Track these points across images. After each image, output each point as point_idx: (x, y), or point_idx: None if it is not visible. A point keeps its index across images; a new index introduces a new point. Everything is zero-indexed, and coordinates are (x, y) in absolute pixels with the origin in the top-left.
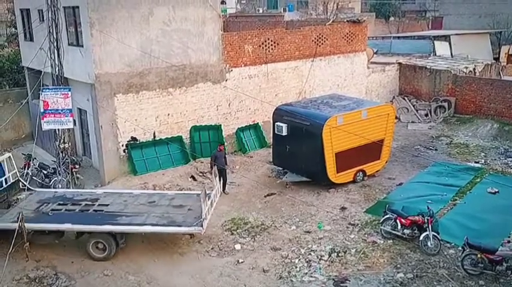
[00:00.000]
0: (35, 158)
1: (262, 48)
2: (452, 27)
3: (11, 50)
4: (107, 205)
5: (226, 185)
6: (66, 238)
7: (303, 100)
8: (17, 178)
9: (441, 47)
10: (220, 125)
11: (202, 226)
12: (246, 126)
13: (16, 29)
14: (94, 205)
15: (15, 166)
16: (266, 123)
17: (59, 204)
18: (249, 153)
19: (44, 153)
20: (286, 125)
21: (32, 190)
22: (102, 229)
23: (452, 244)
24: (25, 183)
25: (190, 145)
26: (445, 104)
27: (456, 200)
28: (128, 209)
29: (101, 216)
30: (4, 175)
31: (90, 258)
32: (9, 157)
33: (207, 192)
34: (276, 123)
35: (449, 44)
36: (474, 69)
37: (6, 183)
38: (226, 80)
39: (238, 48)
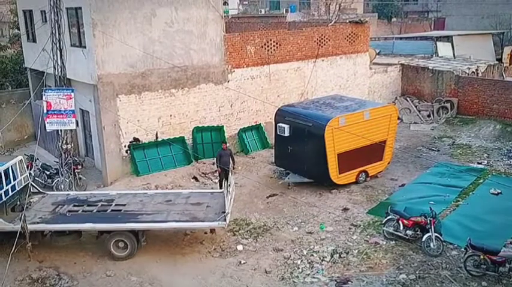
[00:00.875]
0: (38, 159)
1: (265, 49)
2: (454, 28)
3: (14, 51)
4: (124, 205)
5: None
6: (83, 238)
7: (305, 101)
8: (28, 181)
9: (443, 48)
10: (223, 126)
11: (225, 220)
12: (248, 127)
13: (19, 30)
14: (111, 205)
15: (26, 169)
16: (268, 124)
17: (75, 205)
18: (251, 154)
19: (46, 154)
20: (288, 126)
21: (44, 193)
22: (126, 227)
23: (455, 245)
24: (36, 186)
25: (192, 145)
26: (448, 105)
27: (459, 201)
28: (147, 208)
29: (121, 215)
30: (16, 178)
31: (92, 259)
32: (21, 159)
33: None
34: (278, 124)
35: (452, 44)
36: (477, 70)
37: (18, 186)
38: (228, 81)
39: (241, 49)
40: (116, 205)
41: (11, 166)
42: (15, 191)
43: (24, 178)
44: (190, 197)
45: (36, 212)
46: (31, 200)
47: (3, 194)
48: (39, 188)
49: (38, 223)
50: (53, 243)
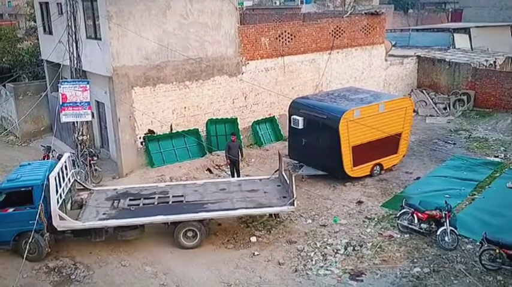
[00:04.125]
0: (54, 150)
1: (279, 41)
2: (472, 20)
3: (31, 43)
4: (182, 196)
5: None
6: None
7: (319, 93)
8: (75, 178)
9: (461, 40)
10: (236, 118)
11: (293, 204)
12: (262, 119)
13: (35, 22)
14: (168, 197)
15: (72, 166)
16: (282, 116)
17: (131, 199)
18: (264, 146)
19: (62, 145)
20: (302, 118)
21: (90, 189)
22: (199, 217)
23: (470, 239)
24: (81, 183)
25: (206, 138)
26: (464, 98)
27: (475, 194)
28: (207, 198)
29: (187, 206)
30: (68, 175)
31: (107, 249)
32: (69, 156)
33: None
34: (292, 117)
35: (469, 36)
36: (494, 62)
37: (70, 183)
38: (242, 73)
39: (255, 41)
40: (173, 196)
41: (64, 164)
42: (68, 189)
43: (72, 174)
44: (242, 185)
45: (97, 209)
46: (82, 197)
47: (62, 192)
48: (84, 185)
49: (106, 219)
50: (119, 238)
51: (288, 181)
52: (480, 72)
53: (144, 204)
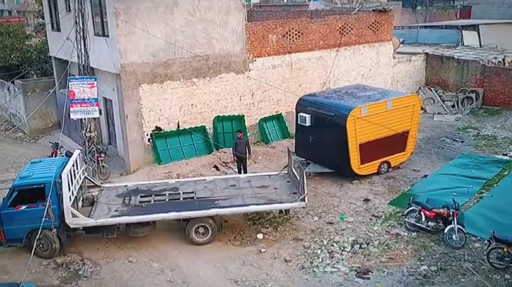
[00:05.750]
0: (62, 147)
1: (286, 38)
2: (481, 17)
3: (39, 40)
4: (193, 192)
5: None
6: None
7: (327, 90)
8: (85, 175)
9: (469, 37)
10: (243, 115)
11: (304, 200)
12: (269, 116)
13: (43, 19)
14: (179, 193)
15: (82, 162)
16: (289, 113)
17: (142, 196)
18: (271, 143)
19: (70, 142)
20: (309, 115)
21: (99, 185)
22: (211, 213)
23: (478, 238)
24: (91, 179)
25: (213, 135)
26: (473, 95)
27: (483, 193)
28: (218, 194)
29: (198, 202)
30: (79, 172)
31: (114, 245)
32: (79, 153)
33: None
34: (300, 114)
35: (478, 33)
36: (503, 59)
37: (80, 180)
38: (249, 70)
39: (262, 38)
40: (184, 193)
41: (75, 161)
42: (79, 186)
43: (82, 171)
44: (252, 181)
45: (109, 206)
46: (92, 194)
47: (74, 189)
48: (94, 181)
49: (118, 216)
50: (130, 235)
51: (298, 177)
52: (489, 70)
53: (155, 201)
